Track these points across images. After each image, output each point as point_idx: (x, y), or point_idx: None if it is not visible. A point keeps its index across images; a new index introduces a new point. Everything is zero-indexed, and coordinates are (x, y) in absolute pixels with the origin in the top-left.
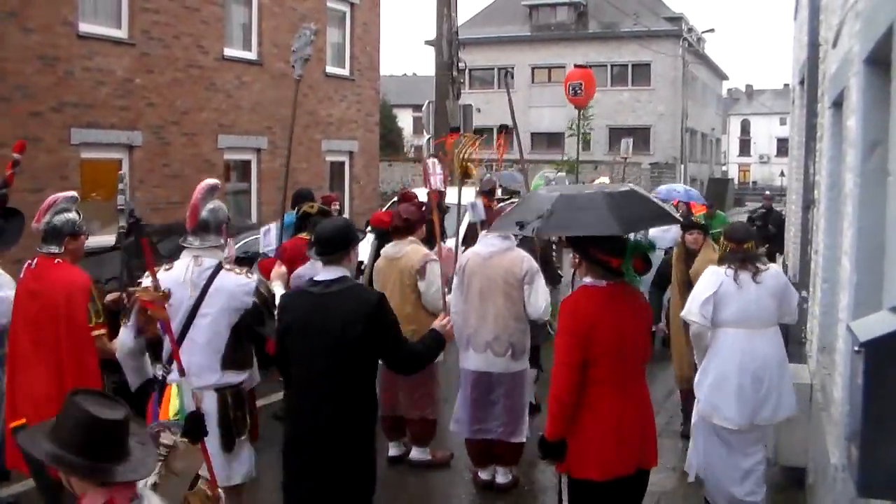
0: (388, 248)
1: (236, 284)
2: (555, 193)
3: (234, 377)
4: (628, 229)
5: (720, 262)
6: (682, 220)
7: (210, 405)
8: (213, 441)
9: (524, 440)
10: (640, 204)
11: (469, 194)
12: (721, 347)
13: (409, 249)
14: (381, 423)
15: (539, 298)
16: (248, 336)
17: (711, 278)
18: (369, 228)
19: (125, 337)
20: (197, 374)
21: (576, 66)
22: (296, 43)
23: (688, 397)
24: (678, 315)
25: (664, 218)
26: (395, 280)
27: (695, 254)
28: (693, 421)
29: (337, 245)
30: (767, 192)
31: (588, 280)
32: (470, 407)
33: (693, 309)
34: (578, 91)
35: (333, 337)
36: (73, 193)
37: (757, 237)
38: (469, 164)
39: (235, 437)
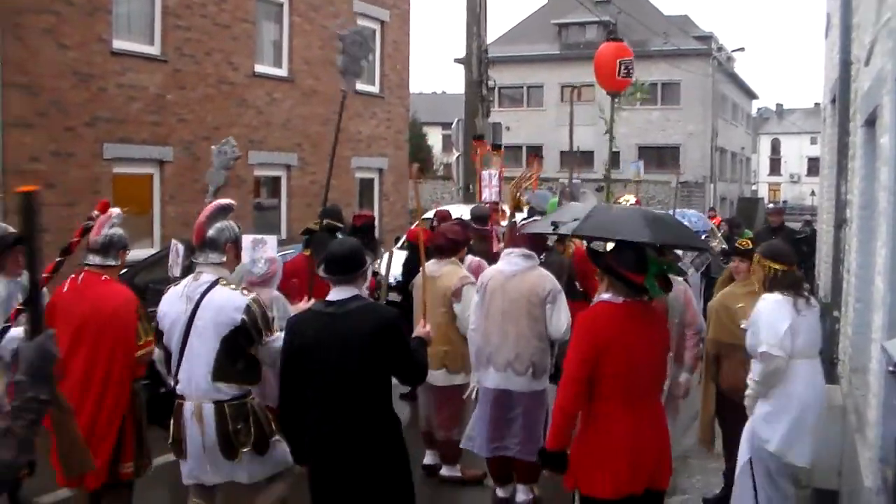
0: (429, 266)
1: (226, 299)
2: (591, 203)
3: (227, 390)
4: (659, 240)
5: (772, 286)
6: (708, 249)
7: (208, 416)
8: (214, 448)
9: None
10: (676, 225)
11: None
12: (797, 381)
13: (447, 270)
14: (422, 435)
15: (561, 319)
16: (241, 352)
17: (781, 308)
18: (399, 245)
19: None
20: (195, 384)
21: (608, 39)
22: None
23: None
24: (709, 363)
25: (694, 241)
26: (432, 299)
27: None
28: (741, 468)
29: (349, 266)
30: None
31: (606, 296)
32: (489, 425)
33: (773, 341)
34: (631, 69)
35: (353, 356)
36: (119, 210)
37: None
38: (521, 197)
39: (238, 448)
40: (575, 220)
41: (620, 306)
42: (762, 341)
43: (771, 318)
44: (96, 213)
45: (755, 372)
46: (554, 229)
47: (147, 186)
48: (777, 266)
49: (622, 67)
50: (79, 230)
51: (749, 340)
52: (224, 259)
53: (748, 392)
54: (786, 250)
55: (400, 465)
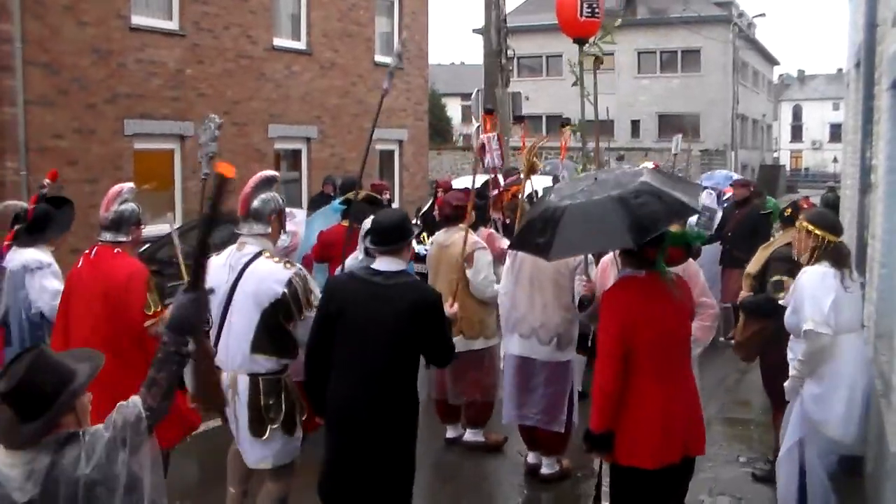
0: (439, 235)
1: (268, 271)
2: (564, 203)
3: (264, 362)
4: (642, 238)
5: (821, 257)
6: (698, 210)
7: (242, 388)
8: (242, 422)
9: (563, 430)
10: (655, 202)
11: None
12: (845, 358)
13: (458, 237)
14: (436, 408)
15: None
16: (280, 326)
17: (826, 281)
18: (416, 221)
19: None
20: (232, 355)
21: None
22: (392, 59)
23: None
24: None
25: (680, 213)
26: (444, 267)
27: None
28: (787, 451)
29: (396, 237)
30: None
31: (628, 271)
32: (511, 392)
33: (818, 318)
34: (596, 7)
35: (389, 329)
36: (133, 185)
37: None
38: (536, 160)
39: (267, 425)
40: (549, 237)
41: (642, 279)
42: (807, 317)
43: (815, 292)
44: (47, 181)
45: (798, 351)
46: (537, 252)
47: (168, 162)
48: (829, 236)
49: (584, 6)
50: (33, 198)
51: (789, 318)
52: (269, 230)
53: (792, 373)
54: (836, 219)
55: (408, 445)
